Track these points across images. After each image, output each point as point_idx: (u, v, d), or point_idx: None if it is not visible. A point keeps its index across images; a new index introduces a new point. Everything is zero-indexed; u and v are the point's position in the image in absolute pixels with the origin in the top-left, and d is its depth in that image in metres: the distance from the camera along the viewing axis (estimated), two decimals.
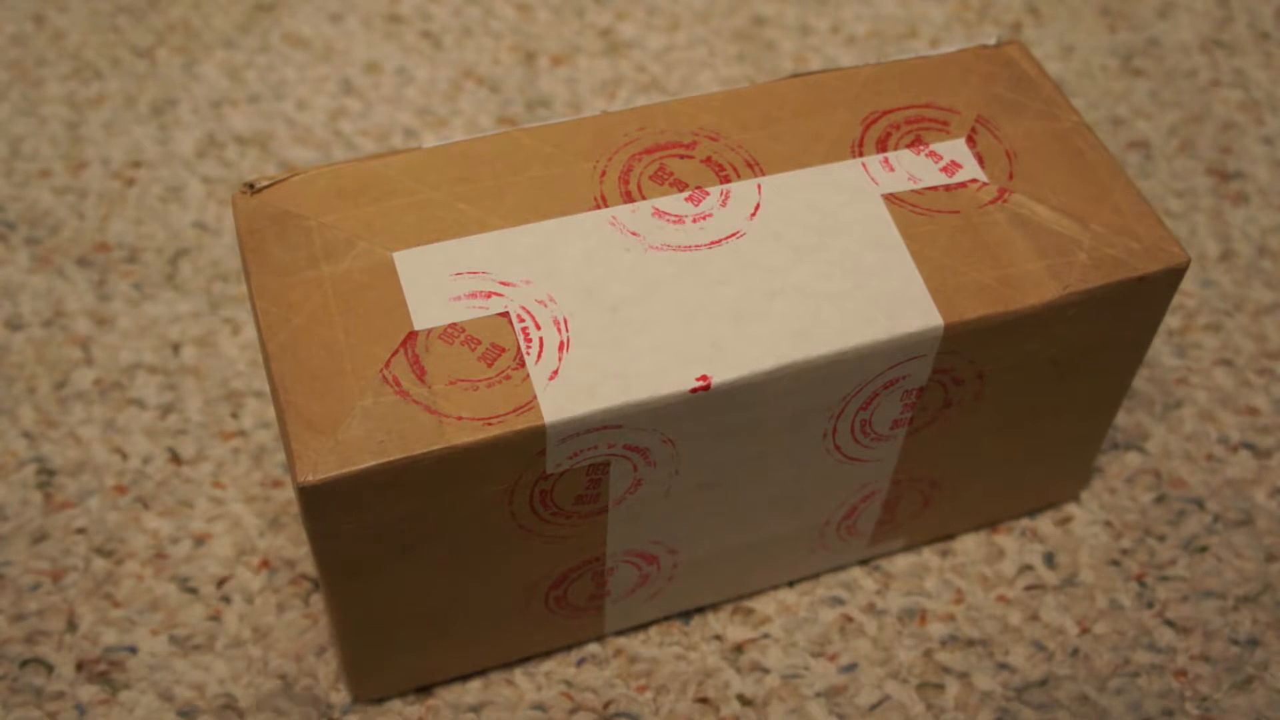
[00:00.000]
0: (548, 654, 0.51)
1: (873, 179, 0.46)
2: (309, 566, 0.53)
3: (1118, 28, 0.76)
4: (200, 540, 0.54)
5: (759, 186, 0.45)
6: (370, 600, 0.44)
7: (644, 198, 0.45)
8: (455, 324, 0.42)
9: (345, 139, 0.68)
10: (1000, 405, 0.48)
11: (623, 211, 0.44)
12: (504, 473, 0.41)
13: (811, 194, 0.45)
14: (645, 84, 0.71)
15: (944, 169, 0.46)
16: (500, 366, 0.41)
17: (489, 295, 0.42)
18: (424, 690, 0.50)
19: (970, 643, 0.52)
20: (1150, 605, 0.53)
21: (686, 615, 0.53)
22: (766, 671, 0.51)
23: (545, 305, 0.42)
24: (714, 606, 0.53)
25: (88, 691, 0.50)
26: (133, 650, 0.51)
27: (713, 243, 0.44)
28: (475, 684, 0.50)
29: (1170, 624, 0.53)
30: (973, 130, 0.48)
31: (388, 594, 0.44)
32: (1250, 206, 0.67)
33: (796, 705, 0.50)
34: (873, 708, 0.50)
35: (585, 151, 0.46)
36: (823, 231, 0.45)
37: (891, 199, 0.46)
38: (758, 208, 0.45)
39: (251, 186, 0.44)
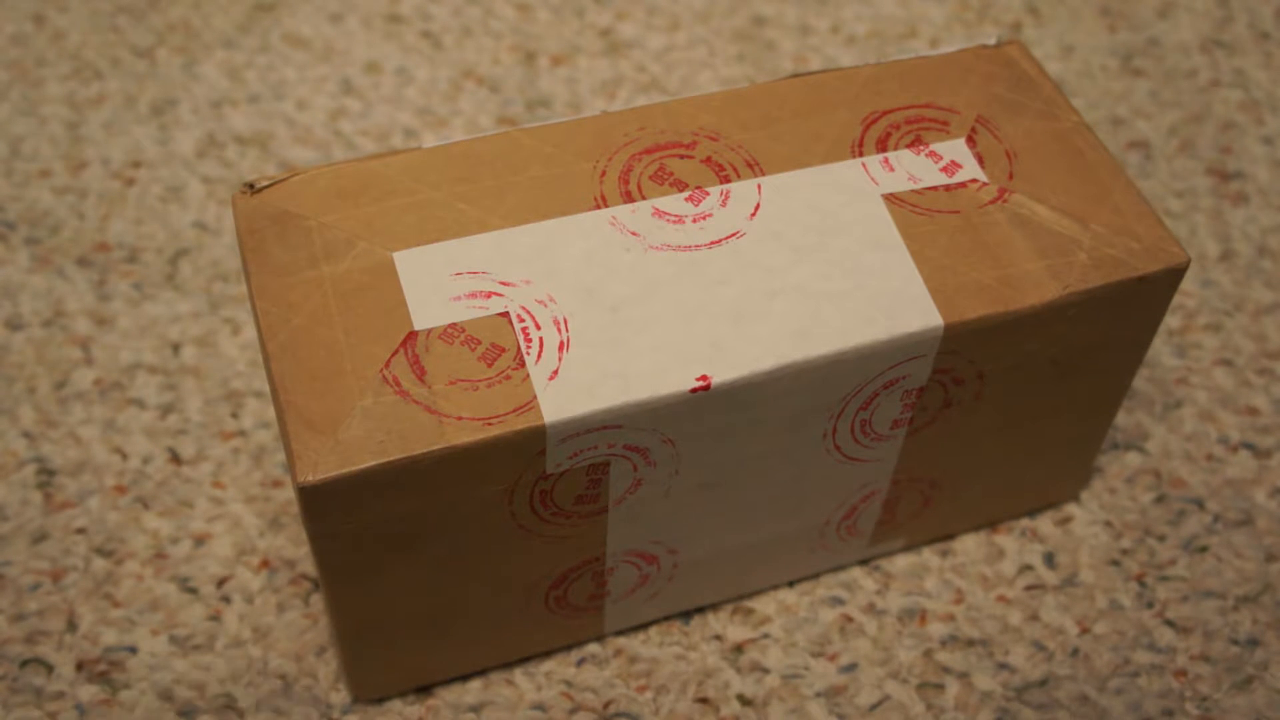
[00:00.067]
0: (548, 654, 0.51)
1: (873, 179, 0.46)
2: (309, 566, 0.53)
3: (1118, 28, 0.76)
4: (200, 540, 0.54)
5: (759, 186, 0.46)
6: (370, 600, 0.44)
7: (644, 198, 0.45)
8: (455, 324, 0.42)
9: (345, 139, 0.68)
10: (1000, 405, 0.48)
11: (623, 211, 0.44)
12: (504, 473, 0.41)
13: (811, 194, 0.45)
14: (645, 84, 0.71)
15: (944, 169, 0.46)
16: (500, 366, 0.41)
17: (489, 295, 0.42)
18: (424, 690, 0.50)
19: (970, 643, 0.52)
20: (1150, 605, 0.53)
21: (686, 615, 0.53)
22: (766, 671, 0.51)
23: (545, 305, 0.42)
24: (714, 606, 0.53)
25: (88, 691, 0.50)
26: (133, 650, 0.51)
27: (713, 243, 0.44)
28: (475, 684, 0.51)
29: (1170, 624, 0.53)
30: (973, 130, 0.48)
31: (388, 594, 0.44)
32: (1250, 206, 0.67)
33: (796, 705, 0.50)
34: (873, 708, 0.50)
35: (585, 151, 0.46)
36: (823, 231, 0.45)
37: (891, 199, 0.46)
38: (758, 208, 0.45)
39: (251, 186, 0.44)
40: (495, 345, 0.41)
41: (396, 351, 0.41)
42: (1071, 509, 0.56)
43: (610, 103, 0.70)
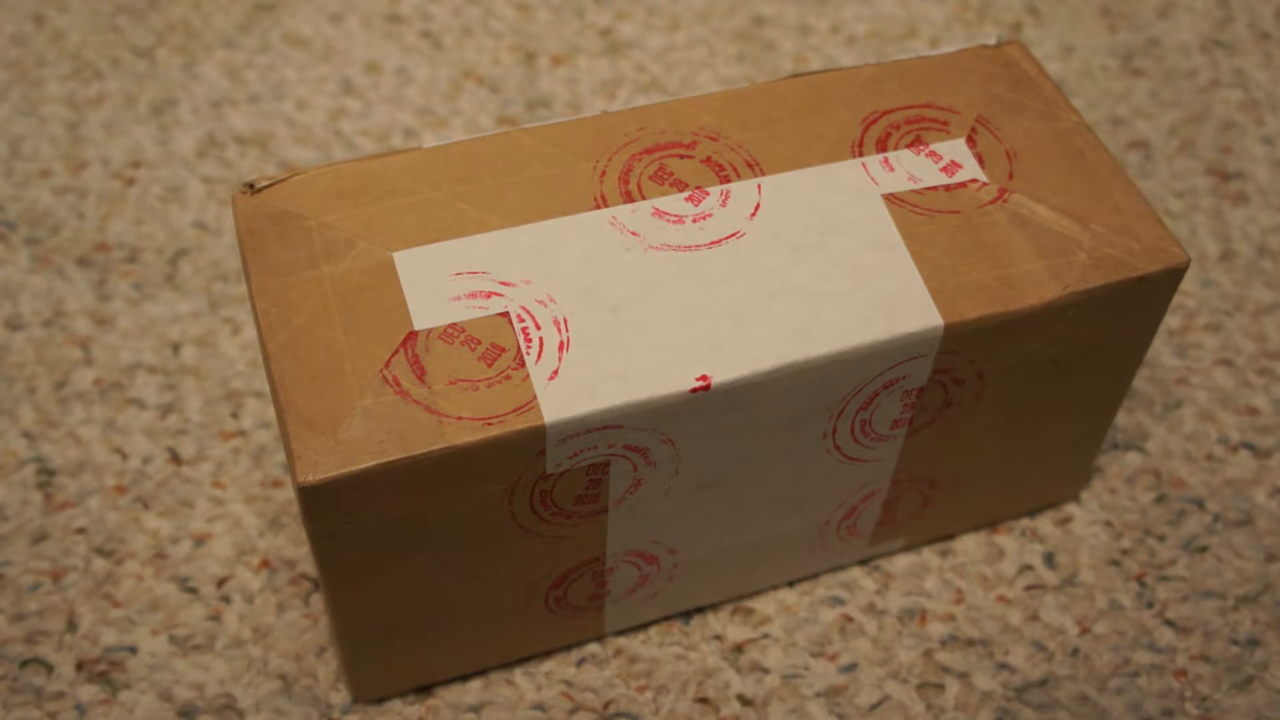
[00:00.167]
0: (548, 654, 0.51)
1: (873, 179, 0.46)
2: (309, 566, 0.53)
3: (1118, 28, 0.76)
4: (200, 540, 0.54)
5: (759, 186, 0.45)
6: (370, 600, 0.44)
7: (644, 198, 0.45)
8: (455, 324, 0.42)
9: (345, 139, 0.68)
10: (1000, 405, 0.48)
11: (623, 211, 0.44)
12: (504, 473, 0.41)
13: (811, 194, 0.45)
14: (645, 84, 0.71)
15: (944, 169, 0.46)
16: (500, 366, 0.41)
17: (489, 295, 0.42)
18: (424, 690, 0.50)
19: (970, 643, 0.52)
20: (1150, 605, 0.53)
21: (686, 615, 0.53)
22: (766, 671, 0.51)
23: (545, 305, 0.42)
24: (714, 606, 0.53)
25: (88, 691, 0.50)
26: (133, 650, 0.51)
27: (713, 243, 0.44)
28: (475, 684, 0.50)
29: (1170, 624, 0.53)
30: (973, 130, 0.48)
31: (388, 594, 0.44)
32: (1250, 206, 0.67)
33: (796, 705, 0.50)
34: (873, 708, 0.50)
35: (585, 151, 0.46)
36: (823, 231, 0.45)
37: (891, 199, 0.46)
38: (758, 208, 0.45)
39: (251, 186, 0.44)
40: (495, 345, 0.41)
41: (396, 351, 0.41)
42: (1071, 509, 0.56)
43: (610, 103, 0.70)
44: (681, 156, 0.46)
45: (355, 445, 0.39)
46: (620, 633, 0.52)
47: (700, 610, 0.53)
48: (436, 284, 0.42)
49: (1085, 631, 0.52)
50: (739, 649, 0.52)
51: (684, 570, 0.49)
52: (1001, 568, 0.54)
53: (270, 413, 0.58)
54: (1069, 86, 0.73)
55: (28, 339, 0.60)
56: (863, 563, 0.54)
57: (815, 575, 0.54)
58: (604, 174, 0.45)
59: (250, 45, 0.73)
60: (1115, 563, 0.54)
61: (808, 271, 0.44)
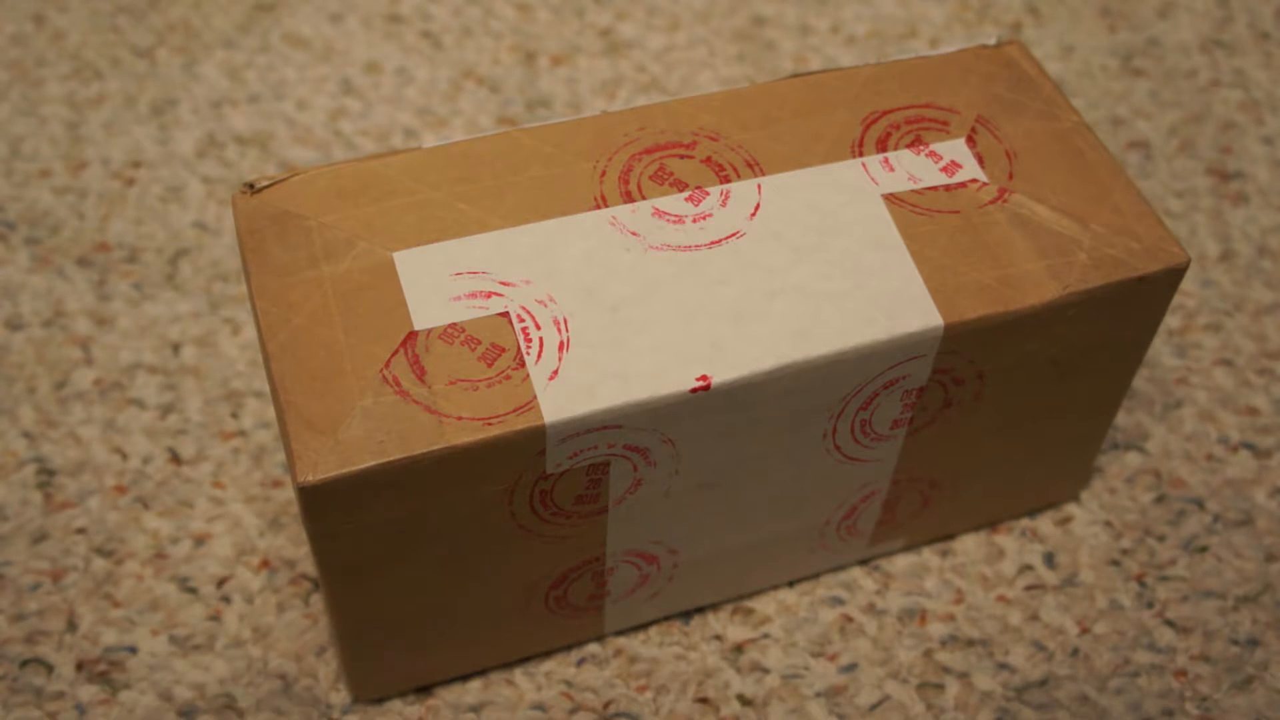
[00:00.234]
0: (548, 654, 0.51)
1: (873, 179, 0.46)
2: (309, 566, 0.53)
3: (1118, 28, 0.76)
4: (200, 540, 0.54)
5: (759, 186, 0.45)
6: (370, 600, 0.44)
7: (644, 198, 0.45)
8: (455, 324, 0.42)
9: (345, 139, 0.68)
10: (1000, 405, 0.48)
11: (623, 211, 0.44)
12: (504, 473, 0.41)
13: (811, 194, 0.45)
14: (645, 84, 0.71)
15: (944, 169, 0.46)
16: (500, 366, 0.41)
17: (489, 295, 0.42)
18: (424, 690, 0.50)
19: (970, 643, 0.52)
20: (1150, 605, 0.53)
21: (686, 615, 0.53)
22: (766, 671, 0.51)
23: (545, 305, 0.42)
24: (714, 606, 0.53)
25: (88, 691, 0.50)
26: (133, 650, 0.51)
27: (713, 243, 0.44)
28: (475, 684, 0.50)
29: (1170, 624, 0.53)
30: (973, 130, 0.48)
31: (388, 594, 0.44)
32: (1250, 206, 0.67)
33: (796, 705, 0.50)
34: (873, 708, 0.50)
35: (585, 151, 0.46)
36: (823, 231, 0.45)
37: (891, 199, 0.46)
38: (758, 208, 0.45)
39: (251, 186, 0.44)
40: (495, 345, 0.41)
41: (396, 351, 0.41)
42: (1071, 509, 0.56)
43: (610, 103, 0.70)
44: (681, 156, 0.46)
45: (355, 445, 0.39)
46: (620, 633, 0.52)
47: (700, 610, 0.53)
48: (436, 284, 0.42)
49: (1085, 631, 0.52)
50: (739, 649, 0.52)
51: (684, 570, 0.49)
52: (1001, 568, 0.54)
53: (270, 413, 0.58)
54: (1069, 86, 0.73)
55: (28, 339, 0.60)
56: (863, 563, 0.54)
57: (815, 575, 0.54)
58: (604, 174, 0.45)
59: (250, 45, 0.73)
60: (1115, 563, 0.54)
61: (808, 271, 0.44)
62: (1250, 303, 0.63)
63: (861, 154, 0.47)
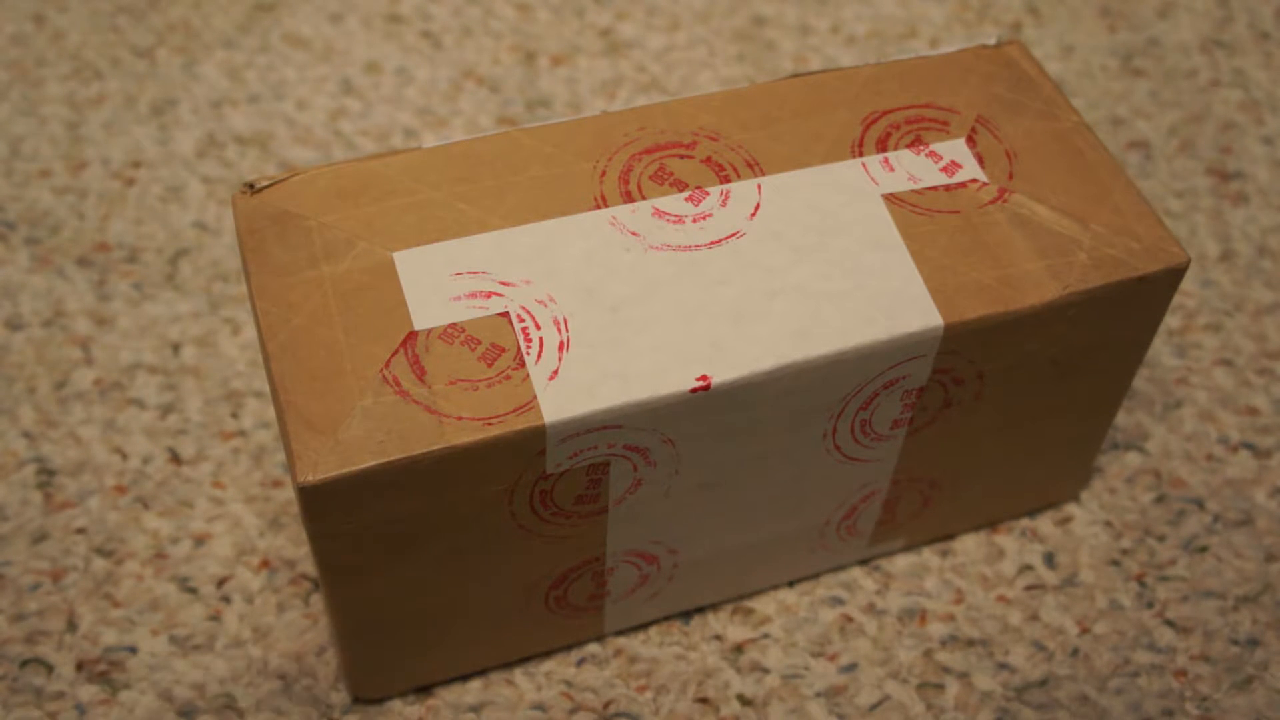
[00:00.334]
0: (548, 654, 0.51)
1: (873, 179, 0.46)
2: (309, 566, 0.53)
3: (1118, 28, 0.76)
4: (200, 540, 0.54)
5: (759, 186, 0.45)
6: (370, 600, 0.44)
7: (644, 198, 0.45)
8: (455, 324, 0.42)
9: (345, 139, 0.68)
10: (1000, 405, 0.48)
11: (623, 211, 0.44)
12: (504, 473, 0.41)
13: (811, 194, 0.45)
14: (645, 84, 0.71)
15: (944, 169, 0.46)
16: (500, 366, 0.41)
17: (489, 295, 0.42)
18: (424, 690, 0.50)
19: (970, 643, 0.52)
20: (1150, 605, 0.53)
21: (686, 615, 0.53)
22: (766, 671, 0.51)
23: (545, 305, 0.42)
24: (714, 606, 0.53)
25: (88, 691, 0.50)
26: (133, 650, 0.51)
27: (713, 243, 0.44)
28: (475, 684, 0.50)
29: (1170, 624, 0.53)
30: (973, 130, 0.48)
31: (388, 594, 0.44)
32: (1250, 206, 0.67)
33: (796, 705, 0.50)
34: (873, 708, 0.50)
35: (585, 151, 0.46)
36: (823, 231, 0.45)
37: (891, 199, 0.46)
38: (758, 208, 0.45)
39: (251, 186, 0.44)
40: (495, 345, 0.41)
41: (396, 351, 0.41)
42: (1071, 509, 0.56)
43: (610, 103, 0.70)
44: (681, 156, 0.46)
45: (355, 445, 0.39)
46: (620, 633, 0.52)
47: (700, 610, 0.53)
48: (436, 284, 0.42)
49: (1085, 631, 0.52)
50: (739, 649, 0.52)
51: (684, 570, 0.49)
52: (1001, 568, 0.54)
53: (270, 413, 0.58)
54: (1069, 86, 0.73)
55: (28, 339, 0.60)
56: (863, 563, 0.54)
57: (815, 575, 0.54)
58: (604, 174, 0.45)
59: (250, 45, 0.73)
60: (1115, 563, 0.54)
61: (808, 271, 0.44)
62: (1250, 303, 0.63)
63: (861, 154, 0.47)
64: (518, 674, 0.51)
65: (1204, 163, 0.69)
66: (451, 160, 0.45)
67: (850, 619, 0.53)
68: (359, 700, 0.50)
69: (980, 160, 0.47)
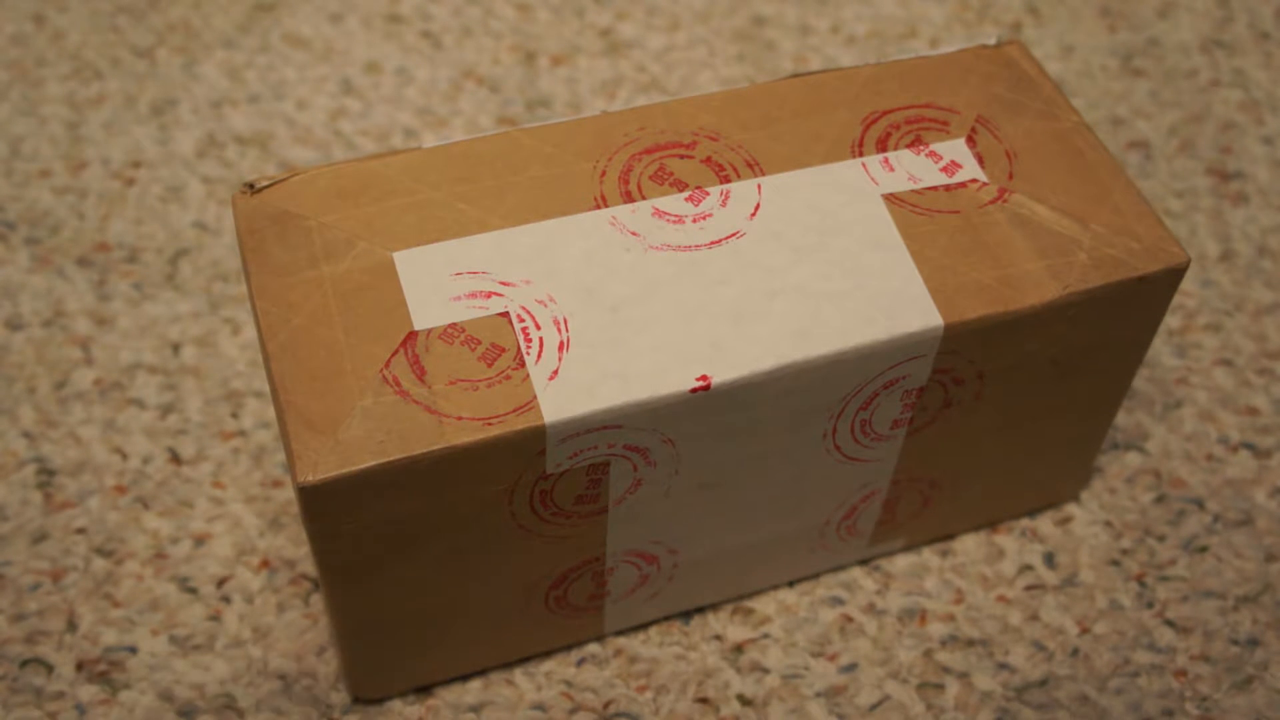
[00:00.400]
0: (548, 654, 0.51)
1: (873, 179, 0.46)
2: (309, 566, 0.53)
3: (1118, 28, 0.76)
4: (200, 540, 0.54)
5: (759, 186, 0.46)
6: (370, 600, 0.44)
7: (644, 198, 0.45)
8: (455, 324, 0.42)
9: (345, 139, 0.68)
10: (1000, 405, 0.48)
11: (623, 211, 0.44)
12: (504, 473, 0.41)
13: (811, 194, 0.45)
14: (645, 84, 0.71)
15: (944, 169, 0.46)
16: (500, 366, 0.41)
17: (489, 295, 0.42)
18: (424, 690, 0.50)
19: (970, 643, 0.52)
20: (1150, 605, 0.53)
21: (686, 615, 0.53)
22: (766, 671, 0.51)
23: (545, 305, 0.42)
24: (714, 606, 0.53)
25: (88, 691, 0.50)
26: (133, 650, 0.51)
27: (713, 243, 0.44)
28: (475, 684, 0.51)
29: (1170, 624, 0.53)
30: (973, 130, 0.48)
31: (388, 594, 0.44)
32: (1250, 206, 0.67)
33: (796, 705, 0.50)
34: (873, 708, 0.50)
35: (585, 151, 0.46)
36: (823, 231, 0.45)
37: (891, 199, 0.46)
38: (758, 208, 0.45)
39: (251, 186, 0.44)
40: (495, 345, 0.41)
41: (396, 351, 0.41)
42: (1071, 509, 0.56)
43: (610, 103, 0.70)
44: (681, 156, 0.46)
45: (355, 445, 0.39)
46: (620, 633, 0.52)
47: (700, 610, 0.53)
48: (436, 284, 0.42)
49: (1085, 631, 0.52)
50: (739, 649, 0.52)
51: (684, 570, 0.49)
52: (1001, 568, 0.54)
53: (270, 413, 0.58)
54: (1069, 86, 0.73)
55: (28, 339, 0.60)
56: (863, 563, 0.54)
57: (815, 575, 0.54)
58: (604, 174, 0.45)
59: (250, 45, 0.73)
60: (1115, 563, 0.54)
61: (808, 271, 0.44)
62: (1250, 303, 0.63)
63: (861, 154, 0.47)
64: (518, 674, 0.51)
65: (1204, 163, 0.69)
66: (451, 160, 0.45)
67: (850, 619, 0.53)
68: (359, 700, 0.50)
69: (980, 160, 0.47)
